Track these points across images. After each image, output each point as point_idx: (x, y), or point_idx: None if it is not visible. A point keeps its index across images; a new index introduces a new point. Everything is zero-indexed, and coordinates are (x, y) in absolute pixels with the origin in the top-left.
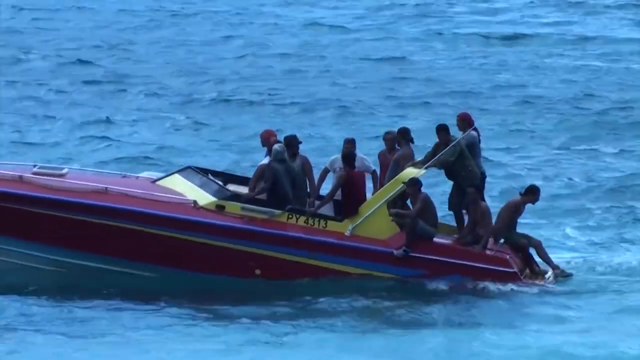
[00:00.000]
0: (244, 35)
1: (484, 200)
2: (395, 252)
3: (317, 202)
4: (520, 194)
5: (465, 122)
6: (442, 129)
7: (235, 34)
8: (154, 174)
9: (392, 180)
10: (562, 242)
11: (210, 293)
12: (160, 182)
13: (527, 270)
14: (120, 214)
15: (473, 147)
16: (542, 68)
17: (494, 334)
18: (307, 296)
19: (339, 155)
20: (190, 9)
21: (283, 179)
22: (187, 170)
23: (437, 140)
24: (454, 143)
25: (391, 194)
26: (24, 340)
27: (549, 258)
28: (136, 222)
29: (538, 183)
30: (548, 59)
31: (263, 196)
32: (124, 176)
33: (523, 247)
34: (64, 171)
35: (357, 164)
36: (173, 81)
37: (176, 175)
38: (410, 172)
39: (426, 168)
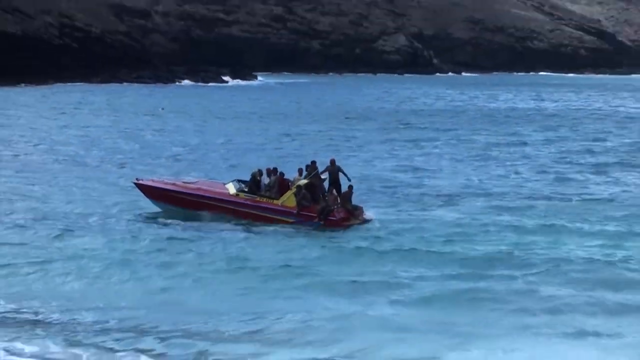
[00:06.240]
0: None
1: (350, 201)
2: (294, 212)
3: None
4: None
5: (331, 163)
6: (313, 163)
7: None
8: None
9: (295, 184)
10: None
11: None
12: (225, 185)
13: (352, 219)
14: (200, 195)
15: (337, 173)
16: None
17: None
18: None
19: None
20: None
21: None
22: (235, 181)
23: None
24: (316, 172)
25: (294, 190)
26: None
27: (363, 218)
28: (206, 199)
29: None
30: None
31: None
32: (224, 183)
33: (350, 210)
34: (196, 180)
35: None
36: None
37: (230, 182)
38: (301, 181)
39: (308, 180)
